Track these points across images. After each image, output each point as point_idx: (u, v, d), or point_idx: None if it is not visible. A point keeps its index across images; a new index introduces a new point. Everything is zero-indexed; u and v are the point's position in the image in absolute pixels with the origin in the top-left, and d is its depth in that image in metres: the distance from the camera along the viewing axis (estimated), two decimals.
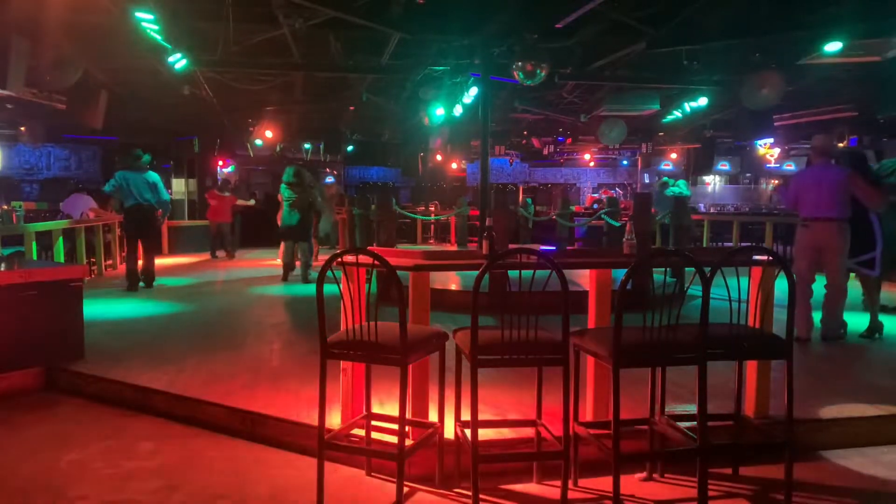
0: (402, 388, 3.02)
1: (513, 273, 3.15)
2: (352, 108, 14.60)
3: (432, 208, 18.88)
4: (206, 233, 13.84)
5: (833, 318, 5.87)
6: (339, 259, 3.30)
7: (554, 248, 10.40)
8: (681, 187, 12.16)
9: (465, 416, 3.25)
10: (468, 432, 3.10)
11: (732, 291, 3.22)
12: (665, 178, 14.19)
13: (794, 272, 5.54)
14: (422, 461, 3.41)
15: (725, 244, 14.08)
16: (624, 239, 4.00)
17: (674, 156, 21.74)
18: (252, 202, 15.23)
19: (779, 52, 8.90)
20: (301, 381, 4.53)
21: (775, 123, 14.07)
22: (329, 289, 3.19)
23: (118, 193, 8.68)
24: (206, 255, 13.59)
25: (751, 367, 3.83)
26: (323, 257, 12.09)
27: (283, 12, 7.54)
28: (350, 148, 19.59)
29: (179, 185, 17.23)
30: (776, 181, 24.70)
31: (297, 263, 10.00)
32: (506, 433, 3.59)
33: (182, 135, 16.34)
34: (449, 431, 3.43)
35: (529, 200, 14.78)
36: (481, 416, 3.24)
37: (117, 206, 10.00)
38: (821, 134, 6.35)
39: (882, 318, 6.19)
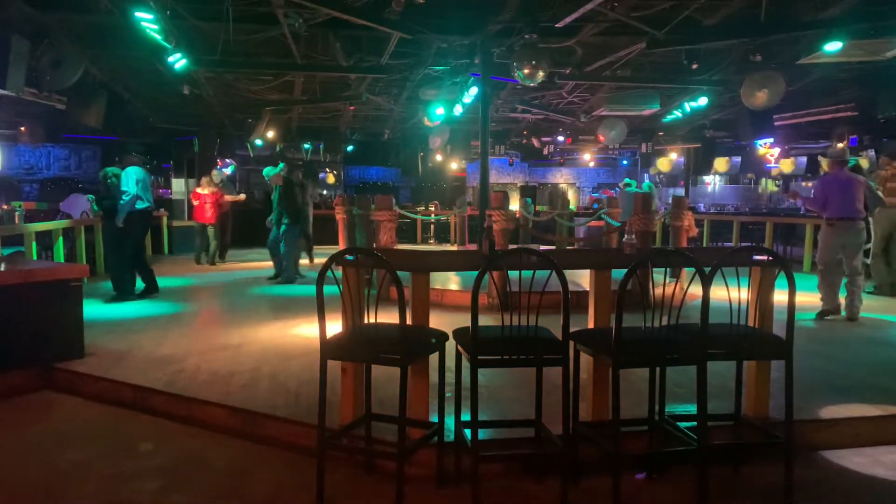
0: (402, 388, 3.02)
1: (513, 273, 3.15)
2: (352, 108, 14.58)
3: (432, 208, 18.88)
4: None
5: (855, 301, 6.89)
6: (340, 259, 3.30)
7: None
8: (644, 188, 12.99)
9: (465, 416, 3.25)
10: (468, 432, 3.10)
11: (732, 291, 3.22)
12: (627, 179, 14.59)
13: (821, 263, 6.98)
14: (422, 461, 3.41)
15: (725, 244, 14.09)
16: (624, 239, 4.01)
17: (674, 156, 21.73)
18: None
19: (779, 52, 8.90)
20: (301, 381, 4.54)
21: (775, 123, 14.06)
22: (329, 289, 3.18)
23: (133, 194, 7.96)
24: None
25: (751, 367, 3.83)
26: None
27: (283, 12, 7.53)
28: (350, 148, 19.58)
29: (179, 185, 17.23)
30: (777, 181, 24.73)
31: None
32: (506, 433, 3.59)
33: (182, 135, 16.33)
34: (449, 431, 3.44)
35: (529, 200, 14.74)
36: (481, 416, 3.24)
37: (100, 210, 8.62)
38: (837, 144, 7.63)
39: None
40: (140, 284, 8.29)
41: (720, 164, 22.09)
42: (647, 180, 13.96)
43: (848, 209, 6.77)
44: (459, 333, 3.28)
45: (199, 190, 12.04)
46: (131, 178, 7.88)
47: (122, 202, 7.81)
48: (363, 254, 3.47)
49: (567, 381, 3.12)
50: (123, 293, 7.98)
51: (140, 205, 7.92)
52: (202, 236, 12.22)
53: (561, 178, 28.04)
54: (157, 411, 4.38)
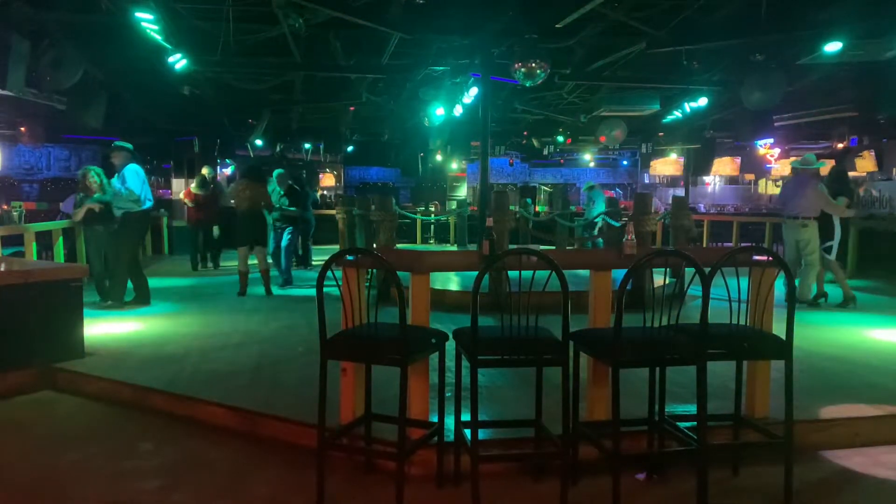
0: (402, 388, 3.02)
1: (513, 273, 3.15)
2: (352, 108, 14.60)
3: (433, 208, 18.89)
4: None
5: (804, 286, 7.66)
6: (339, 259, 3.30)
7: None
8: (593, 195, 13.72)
9: (465, 416, 3.25)
10: (468, 432, 3.10)
11: (732, 291, 3.22)
12: (590, 182, 14.98)
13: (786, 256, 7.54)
14: (422, 461, 3.41)
15: (725, 244, 14.08)
16: (624, 239, 4.01)
17: (673, 155, 21.75)
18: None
19: (779, 52, 8.90)
20: (301, 381, 4.53)
21: (775, 123, 14.06)
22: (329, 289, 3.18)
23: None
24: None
25: (751, 367, 3.83)
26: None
27: (283, 12, 7.54)
28: (350, 148, 19.59)
29: (179, 185, 17.22)
30: (777, 183, 24.82)
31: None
32: (506, 433, 3.58)
33: (182, 135, 16.33)
34: (449, 431, 3.43)
35: (529, 200, 14.78)
36: (481, 416, 3.24)
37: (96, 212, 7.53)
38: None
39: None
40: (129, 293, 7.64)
41: (722, 165, 22.05)
42: (596, 187, 14.06)
43: (794, 208, 7.68)
44: (459, 333, 3.28)
45: (195, 190, 11.39)
46: (137, 179, 7.28)
47: (122, 193, 7.23)
48: (363, 254, 3.46)
49: (567, 381, 3.12)
50: (112, 298, 7.49)
51: (143, 206, 7.43)
52: (199, 238, 11.55)
53: (561, 178, 28.06)
54: (157, 411, 4.38)
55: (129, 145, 7.67)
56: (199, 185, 11.41)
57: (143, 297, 7.72)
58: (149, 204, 7.54)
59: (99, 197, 7.42)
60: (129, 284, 7.69)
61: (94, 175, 7.45)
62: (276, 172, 10.09)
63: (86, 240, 7.87)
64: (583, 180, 28.30)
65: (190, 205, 11.52)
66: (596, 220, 12.58)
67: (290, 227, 9.59)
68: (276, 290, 8.90)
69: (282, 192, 9.68)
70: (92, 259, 7.77)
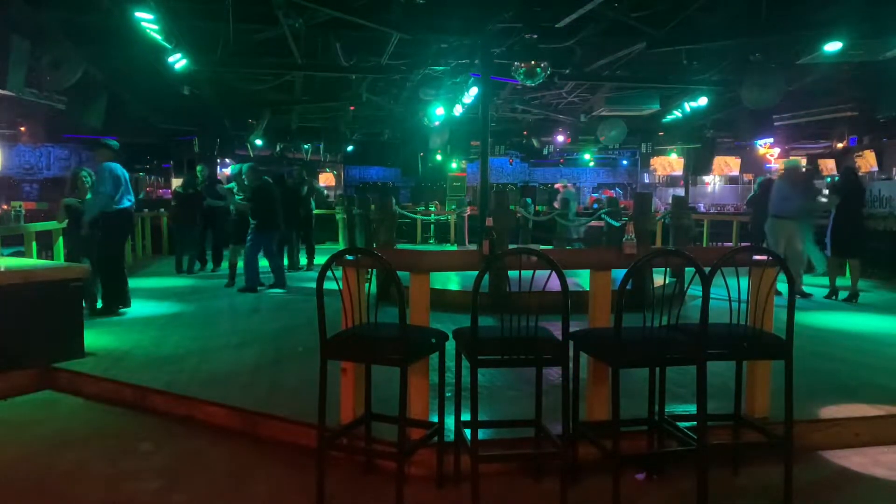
0: (402, 388, 3.02)
1: (513, 273, 3.15)
2: (352, 108, 14.61)
3: (433, 208, 18.90)
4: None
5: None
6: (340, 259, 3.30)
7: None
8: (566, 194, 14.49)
9: (466, 416, 3.25)
10: (468, 432, 3.10)
11: (732, 291, 3.22)
12: (564, 181, 15.41)
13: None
14: (422, 461, 3.41)
15: (725, 244, 14.08)
16: (624, 239, 4.01)
17: (673, 155, 21.76)
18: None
19: (779, 52, 8.91)
20: (301, 381, 4.53)
21: (775, 123, 14.08)
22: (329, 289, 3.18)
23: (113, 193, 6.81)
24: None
25: (751, 367, 3.83)
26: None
27: (283, 12, 7.54)
28: (350, 148, 19.60)
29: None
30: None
31: None
32: (506, 433, 3.58)
33: (182, 135, 16.35)
34: (449, 431, 3.43)
35: (529, 200, 14.82)
36: (481, 416, 3.24)
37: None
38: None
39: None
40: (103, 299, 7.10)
41: (721, 165, 22.09)
42: (568, 187, 14.56)
43: (782, 208, 8.16)
44: (459, 333, 3.28)
45: (176, 188, 11.23)
46: (106, 176, 6.80)
47: (89, 199, 6.82)
48: (363, 254, 3.46)
49: (567, 381, 3.12)
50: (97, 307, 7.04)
51: (121, 205, 6.89)
52: (181, 242, 11.12)
53: (561, 178, 28.07)
54: (157, 411, 4.38)
55: (115, 143, 7.24)
56: (182, 183, 11.20)
57: (112, 305, 7.09)
58: (127, 203, 7.01)
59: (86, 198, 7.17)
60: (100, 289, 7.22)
61: (85, 175, 7.27)
62: (243, 166, 9.34)
63: (75, 243, 7.43)
64: (583, 180, 28.30)
65: (172, 203, 11.48)
66: (579, 221, 12.84)
67: (251, 230, 8.70)
68: (275, 290, 8.92)
69: (241, 187, 9.14)
70: (82, 262, 7.13)
